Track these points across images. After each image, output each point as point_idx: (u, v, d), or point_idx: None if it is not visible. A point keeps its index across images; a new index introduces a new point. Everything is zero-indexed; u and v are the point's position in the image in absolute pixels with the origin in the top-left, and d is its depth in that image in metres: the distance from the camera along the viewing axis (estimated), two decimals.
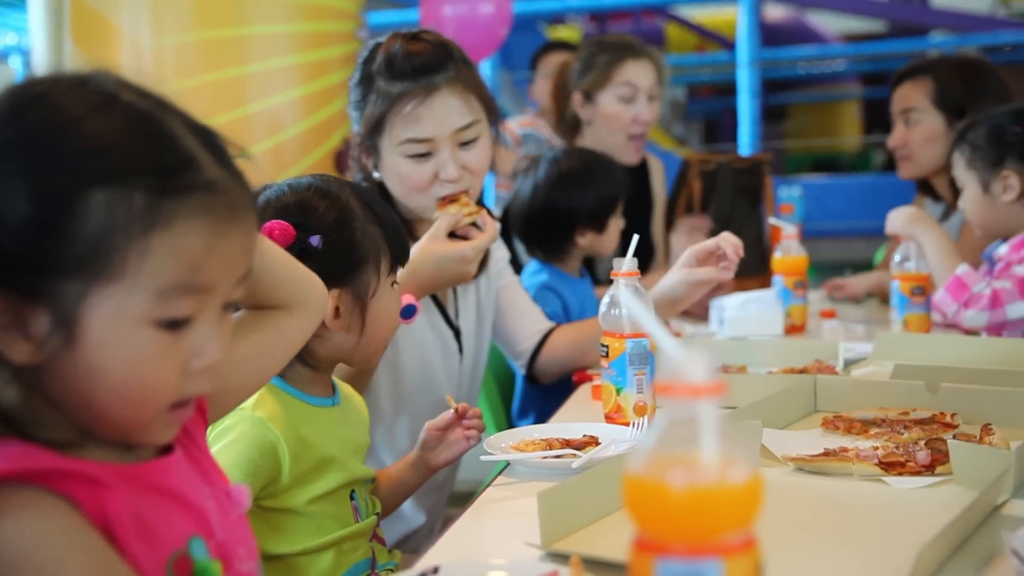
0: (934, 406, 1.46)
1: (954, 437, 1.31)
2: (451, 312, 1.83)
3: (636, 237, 1.55)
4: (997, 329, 2.00)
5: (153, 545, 0.76)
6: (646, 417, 1.48)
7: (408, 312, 1.47)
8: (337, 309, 1.27)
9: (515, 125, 4.30)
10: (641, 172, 2.83)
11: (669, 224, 2.95)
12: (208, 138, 0.78)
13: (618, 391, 1.48)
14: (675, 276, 1.83)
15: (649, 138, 6.82)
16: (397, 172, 1.70)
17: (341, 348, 1.29)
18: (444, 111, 1.67)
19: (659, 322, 0.65)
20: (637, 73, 2.68)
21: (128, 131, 0.74)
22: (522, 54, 4.53)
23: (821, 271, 4.84)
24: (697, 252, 1.83)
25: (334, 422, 1.31)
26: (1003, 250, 2.06)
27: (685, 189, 3.00)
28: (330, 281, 1.23)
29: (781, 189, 6.48)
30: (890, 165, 8.67)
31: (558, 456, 1.30)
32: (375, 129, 1.68)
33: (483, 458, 1.32)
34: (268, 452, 1.20)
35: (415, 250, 1.63)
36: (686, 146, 9.43)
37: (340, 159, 3.03)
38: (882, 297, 2.67)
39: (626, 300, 0.67)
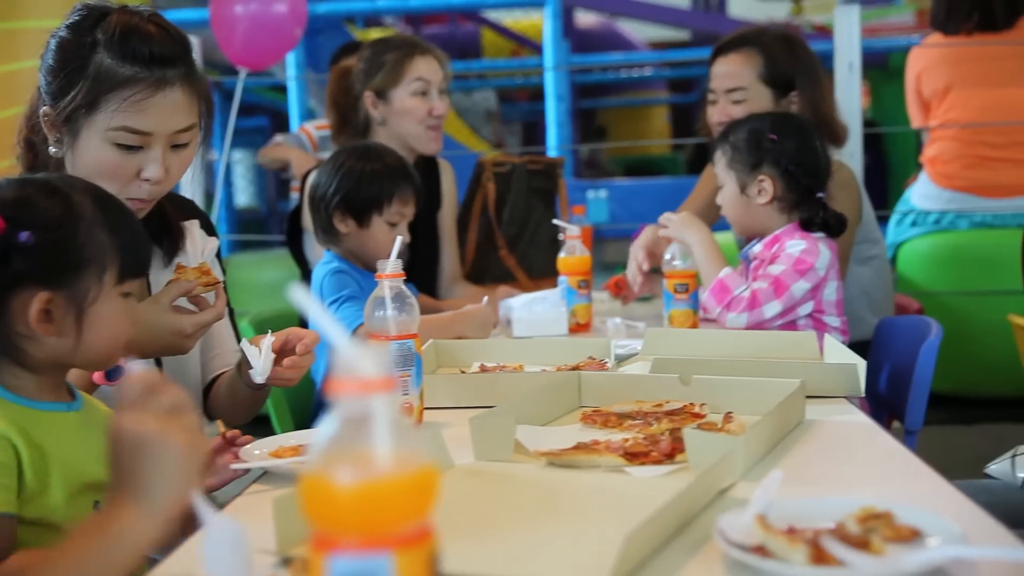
0: (686, 397, 1.53)
1: (698, 426, 1.38)
2: None
3: (400, 239, 1.56)
4: (757, 328, 2.10)
5: None
6: (412, 417, 1.48)
7: (113, 374, 1.37)
8: (49, 312, 1.21)
9: (312, 128, 4.25)
10: (431, 174, 2.84)
11: (463, 225, 2.97)
12: None
13: None
14: None
15: (460, 141, 6.80)
16: (98, 157, 1.56)
17: (58, 352, 1.23)
18: (171, 109, 1.56)
19: (334, 321, 0.65)
20: (427, 69, 2.70)
21: None
22: (329, 55, 4.48)
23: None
24: None
25: (72, 427, 1.25)
26: (757, 249, 2.17)
27: (480, 191, 3.03)
28: (43, 281, 1.17)
29: (588, 192, 6.67)
30: (693, 168, 9.04)
31: None
32: (84, 106, 1.53)
33: (233, 466, 1.30)
34: (3, 445, 1.14)
35: None
36: (504, 149, 9.54)
37: None
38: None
39: (301, 299, 0.67)
